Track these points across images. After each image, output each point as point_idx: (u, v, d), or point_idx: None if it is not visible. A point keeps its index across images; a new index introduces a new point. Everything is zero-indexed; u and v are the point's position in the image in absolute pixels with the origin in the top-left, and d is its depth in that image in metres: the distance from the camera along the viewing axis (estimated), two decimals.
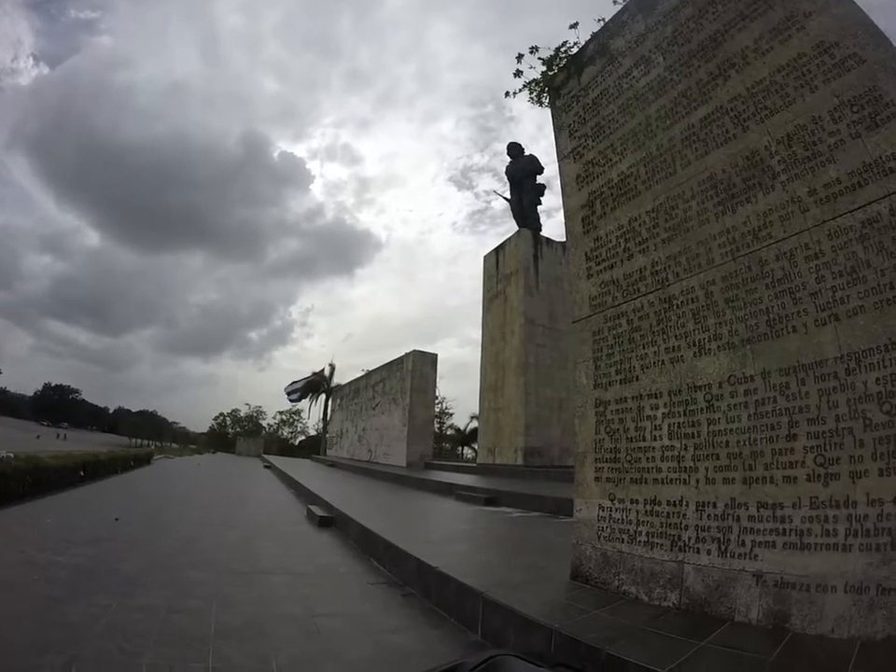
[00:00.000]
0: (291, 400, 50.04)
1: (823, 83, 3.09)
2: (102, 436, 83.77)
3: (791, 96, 3.24)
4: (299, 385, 48.39)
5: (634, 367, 3.83)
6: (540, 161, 19.87)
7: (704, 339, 3.42)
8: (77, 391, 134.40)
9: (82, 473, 11.67)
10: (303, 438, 64.60)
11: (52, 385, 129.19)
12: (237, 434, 61.06)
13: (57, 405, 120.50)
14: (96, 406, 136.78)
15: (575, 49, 5.25)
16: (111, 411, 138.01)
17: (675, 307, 3.64)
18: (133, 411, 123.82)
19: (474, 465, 20.59)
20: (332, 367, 49.17)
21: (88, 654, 2.84)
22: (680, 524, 3.28)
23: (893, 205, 2.66)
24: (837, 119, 2.98)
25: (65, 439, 59.98)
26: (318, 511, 8.64)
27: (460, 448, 54.52)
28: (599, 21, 4.99)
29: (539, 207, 19.79)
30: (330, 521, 8.08)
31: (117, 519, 7.19)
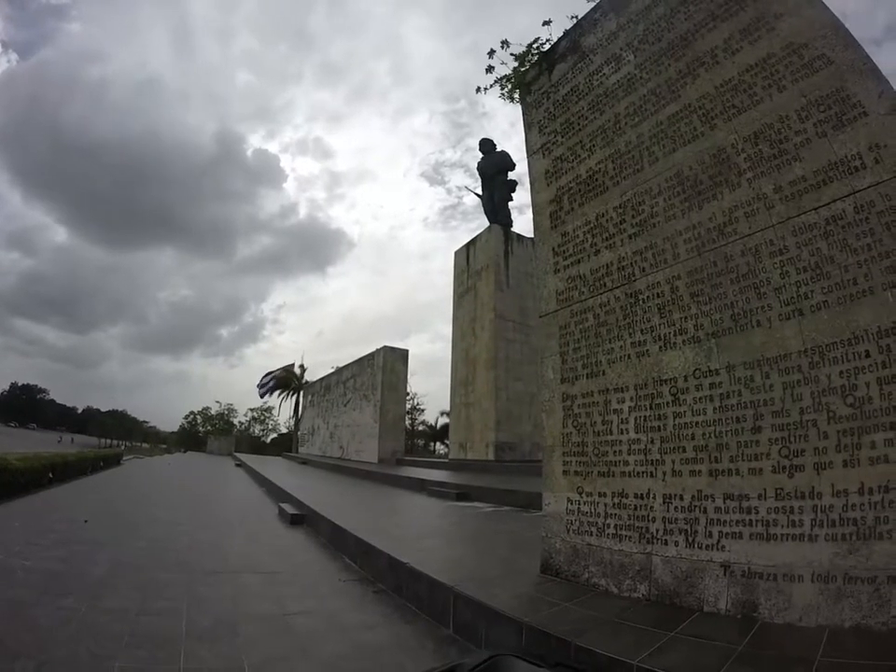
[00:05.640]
0: (262, 394, 49.29)
1: (791, 83, 3.14)
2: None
3: (759, 95, 3.29)
4: (272, 376, 47.73)
5: (600, 361, 3.86)
6: (512, 157, 19.94)
7: (669, 333, 3.46)
8: (44, 391, 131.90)
9: (51, 475, 11.37)
10: (275, 435, 63.76)
11: (20, 384, 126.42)
12: (208, 433, 60.00)
13: (25, 405, 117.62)
14: (64, 406, 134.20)
15: (547, 46, 5.24)
16: (80, 410, 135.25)
17: (641, 302, 3.68)
18: (103, 410, 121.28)
19: (446, 460, 20.64)
20: (303, 368, 48.51)
21: (58, 658, 2.78)
22: (648, 516, 3.32)
23: (857, 203, 2.72)
24: (804, 119, 3.03)
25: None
26: (290, 509, 8.56)
27: (432, 444, 54.58)
28: (572, 18, 4.98)
29: (510, 203, 19.88)
30: (302, 519, 8.01)
31: (86, 521, 7.02)
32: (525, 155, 5.19)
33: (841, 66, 2.94)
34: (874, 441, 2.46)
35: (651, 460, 3.37)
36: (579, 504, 3.77)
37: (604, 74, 4.45)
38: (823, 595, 2.50)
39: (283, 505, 9.16)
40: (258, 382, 48.13)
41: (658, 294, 3.58)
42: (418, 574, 4.08)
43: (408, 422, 40.55)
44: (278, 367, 48.37)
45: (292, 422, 48.10)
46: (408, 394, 33.43)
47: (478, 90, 5.71)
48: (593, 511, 3.67)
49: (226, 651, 3.08)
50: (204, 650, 3.07)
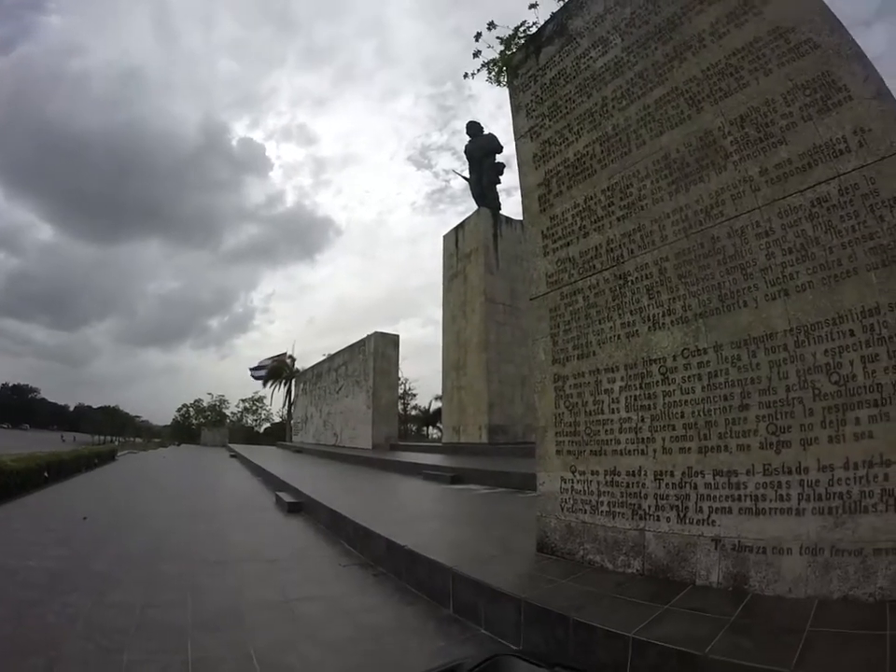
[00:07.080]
0: (255, 377, 49.18)
1: (777, 67, 3.17)
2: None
3: (746, 79, 3.32)
4: (264, 365, 47.72)
5: (591, 342, 3.91)
6: (500, 139, 19.86)
7: (658, 314, 3.51)
8: (35, 390, 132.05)
9: (46, 475, 11.32)
10: (268, 425, 63.65)
11: (10, 385, 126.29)
12: (201, 425, 59.76)
13: (16, 406, 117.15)
14: (56, 404, 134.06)
15: (534, 29, 5.24)
16: (72, 408, 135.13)
17: (630, 283, 3.73)
18: (95, 407, 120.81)
19: (440, 444, 20.74)
20: (293, 358, 48.38)
21: (68, 654, 2.82)
22: (640, 493, 3.40)
23: (842, 186, 2.77)
24: (790, 102, 3.06)
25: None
26: (287, 498, 8.61)
27: (425, 428, 54.76)
28: (559, 0, 4.98)
29: (498, 186, 19.82)
30: (299, 506, 8.06)
31: (85, 518, 7.03)
32: (513, 138, 5.19)
33: (827, 51, 2.97)
34: (858, 417, 2.53)
35: (642, 438, 3.44)
36: (572, 483, 3.84)
37: (591, 57, 4.45)
38: (812, 568, 2.58)
39: (280, 493, 9.22)
40: (251, 367, 48.24)
41: (646, 275, 3.63)
42: (417, 556, 4.15)
43: (401, 407, 40.65)
44: (268, 357, 48.34)
45: (285, 411, 48.09)
46: (400, 379, 33.48)
47: (465, 75, 5.71)
48: (586, 489, 3.74)
49: (232, 639, 3.13)
50: (211, 638, 3.12)
